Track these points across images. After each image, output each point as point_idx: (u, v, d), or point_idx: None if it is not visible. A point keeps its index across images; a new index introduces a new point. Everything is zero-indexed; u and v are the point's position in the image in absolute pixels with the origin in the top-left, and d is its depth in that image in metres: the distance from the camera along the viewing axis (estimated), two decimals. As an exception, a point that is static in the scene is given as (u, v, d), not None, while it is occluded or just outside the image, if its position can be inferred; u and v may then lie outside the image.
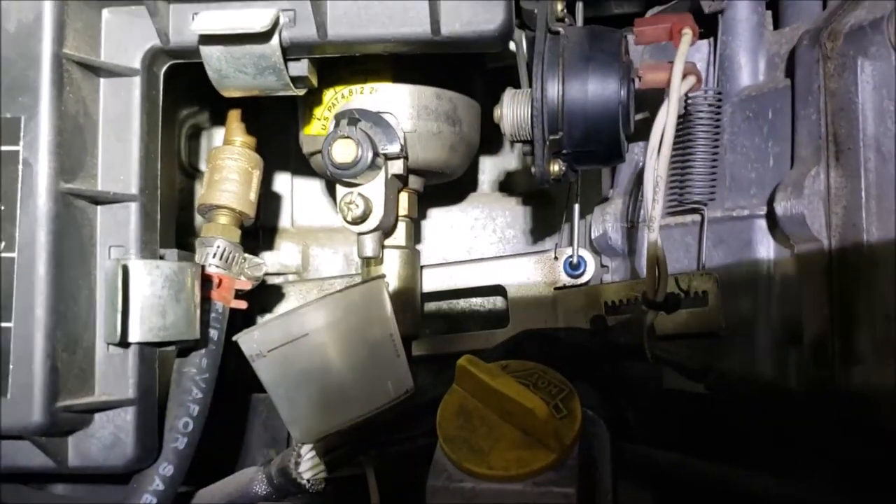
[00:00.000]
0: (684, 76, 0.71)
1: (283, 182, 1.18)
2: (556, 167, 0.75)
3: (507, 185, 1.17)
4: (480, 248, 1.16)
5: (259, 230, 1.14)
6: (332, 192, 1.16)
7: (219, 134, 1.11)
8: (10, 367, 0.65)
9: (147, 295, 0.68)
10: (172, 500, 0.74)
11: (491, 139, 1.11)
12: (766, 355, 0.81)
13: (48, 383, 0.65)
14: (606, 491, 0.68)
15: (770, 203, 0.78)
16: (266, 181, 1.16)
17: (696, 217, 0.86)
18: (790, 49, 0.81)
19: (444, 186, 1.03)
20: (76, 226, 0.68)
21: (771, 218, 0.79)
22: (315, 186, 1.18)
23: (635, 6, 0.93)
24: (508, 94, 0.76)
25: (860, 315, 0.71)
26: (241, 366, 0.78)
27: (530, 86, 0.75)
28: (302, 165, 1.10)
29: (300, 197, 1.18)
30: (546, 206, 1.14)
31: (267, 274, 1.10)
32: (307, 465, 0.76)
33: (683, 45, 0.71)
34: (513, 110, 0.76)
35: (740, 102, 0.84)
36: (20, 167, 0.65)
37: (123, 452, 0.70)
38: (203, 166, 1.12)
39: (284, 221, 1.18)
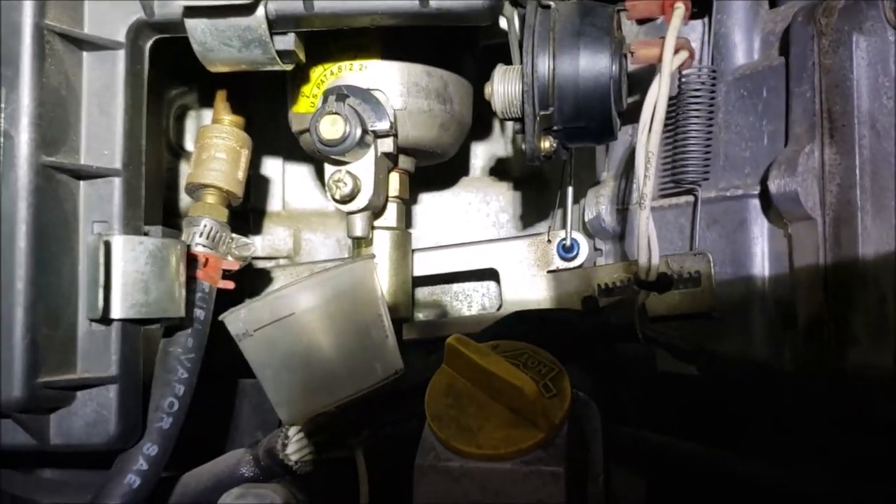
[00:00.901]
0: (676, 51, 0.71)
1: (274, 166, 1.17)
2: (546, 144, 0.74)
3: (501, 169, 1.16)
4: (474, 233, 1.15)
5: (249, 213, 1.13)
6: (323, 175, 1.15)
7: (207, 115, 1.10)
8: (-10, 341, 0.64)
9: (130, 271, 0.67)
10: (157, 480, 0.73)
11: (485, 123, 1.10)
12: (760, 337, 0.80)
13: (28, 358, 0.64)
14: (597, 472, 0.67)
15: (764, 181, 0.77)
16: (257, 165, 1.15)
17: (690, 198, 0.85)
18: (785, 26, 0.80)
19: (437, 170, 1.02)
20: (58, 200, 0.67)
21: (765, 197, 0.78)
22: (307, 170, 1.17)
23: (630, -16, 0.93)
24: (499, 71, 0.76)
25: (855, 296, 0.70)
26: (232, 349, 0.77)
27: (521, 62, 0.74)
28: (294, 149, 1.09)
29: (292, 181, 1.18)
30: (540, 190, 1.13)
31: (258, 258, 1.10)
32: (294, 447, 0.75)
33: (676, 19, 0.71)
34: (504, 86, 0.75)
35: (735, 81, 0.83)
36: (1, 139, 0.64)
37: (106, 430, 0.69)
38: (190, 146, 1.11)
39: (276, 205, 1.17)
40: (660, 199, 0.87)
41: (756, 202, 0.80)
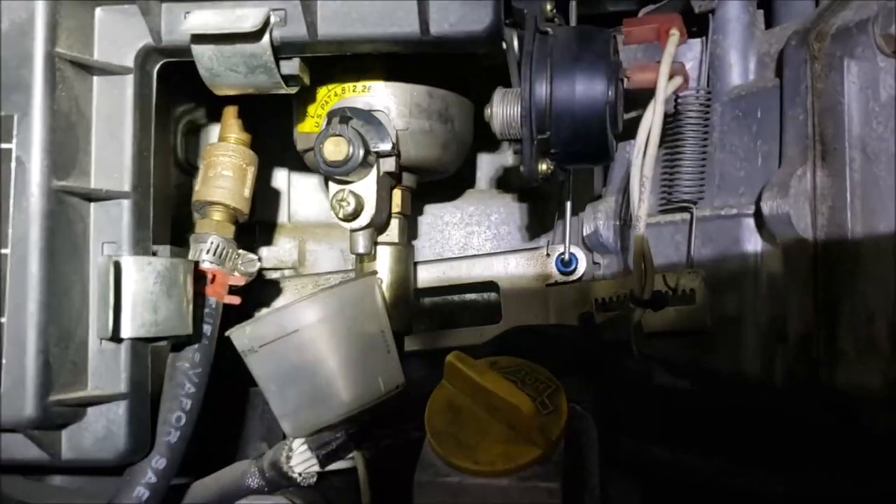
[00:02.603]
0: (671, 76, 0.72)
1: (280, 177, 1.18)
2: (544, 166, 0.75)
3: (503, 181, 1.17)
4: (475, 245, 1.16)
5: (256, 225, 1.14)
6: (327, 187, 1.16)
7: (215, 131, 1.11)
8: (3, 361, 0.66)
9: (139, 291, 0.69)
10: (165, 492, 0.75)
11: (486, 136, 1.11)
12: (752, 353, 0.81)
13: (41, 377, 0.66)
14: (593, 486, 0.69)
15: (758, 202, 0.78)
16: (263, 177, 1.16)
17: (686, 215, 0.86)
18: (780, 48, 0.81)
19: (440, 183, 1.04)
20: (69, 223, 0.69)
21: (758, 217, 0.79)
22: (312, 182, 1.18)
23: (629, 4, 0.93)
24: (498, 94, 0.77)
25: (843, 314, 0.72)
26: (238, 359, 0.79)
27: (520, 85, 0.76)
28: (299, 161, 1.10)
29: (297, 192, 1.18)
30: (540, 204, 1.14)
31: (263, 269, 1.12)
32: (298, 460, 0.77)
33: (670, 46, 0.72)
34: (503, 109, 0.76)
35: (730, 101, 0.85)
36: (13, 165, 0.66)
37: (116, 445, 0.71)
38: (200, 163, 1.13)
39: (281, 217, 1.18)
40: (656, 214, 0.88)
41: (750, 221, 0.81)
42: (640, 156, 0.69)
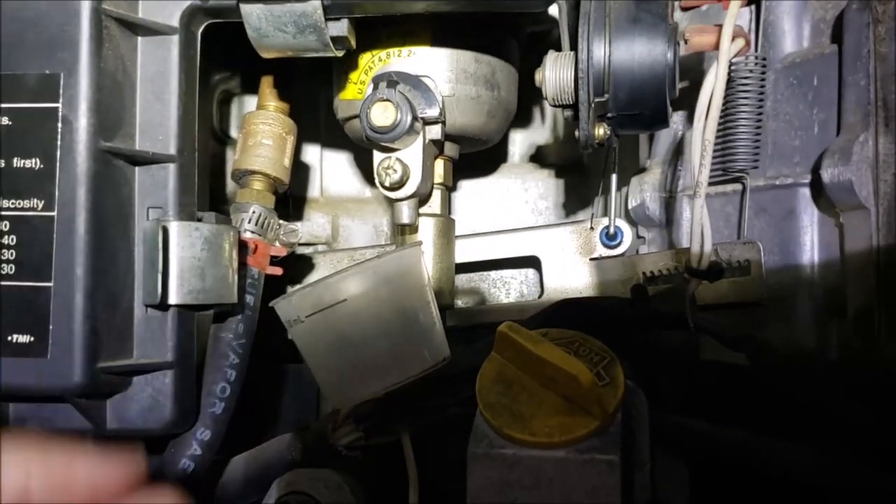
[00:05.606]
0: (733, 39, 0.70)
1: (312, 152, 1.17)
2: (601, 131, 0.73)
3: (540, 156, 1.16)
4: (512, 220, 1.14)
5: (290, 199, 1.13)
6: (361, 162, 1.15)
7: (250, 101, 1.10)
8: (51, 327, 0.64)
9: (186, 257, 0.67)
10: (210, 464, 0.74)
11: (524, 109, 1.10)
12: (806, 325, 0.80)
13: (88, 344, 0.64)
14: (644, 461, 0.67)
15: (816, 170, 0.77)
16: (296, 151, 1.15)
17: (737, 186, 0.85)
18: (836, 14, 0.80)
19: (476, 156, 1.02)
20: (115, 185, 0.67)
21: (815, 186, 0.78)
22: (345, 156, 1.17)
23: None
24: (551, 57, 0.75)
25: (908, 285, 0.70)
26: (270, 335, 0.77)
27: (572, 48, 0.74)
28: (332, 135, 1.09)
29: (330, 167, 1.17)
30: (579, 178, 1.13)
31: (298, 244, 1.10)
32: (344, 432, 0.75)
33: (733, 7, 0.70)
34: (555, 73, 0.74)
35: (784, 69, 0.83)
36: (59, 125, 0.64)
37: (161, 415, 0.69)
38: (234, 132, 1.12)
39: (314, 191, 1.17)
40: (707, 186, 0.87)
41: (806, 191, 0.80)
42: (703, 120, 0.67)
